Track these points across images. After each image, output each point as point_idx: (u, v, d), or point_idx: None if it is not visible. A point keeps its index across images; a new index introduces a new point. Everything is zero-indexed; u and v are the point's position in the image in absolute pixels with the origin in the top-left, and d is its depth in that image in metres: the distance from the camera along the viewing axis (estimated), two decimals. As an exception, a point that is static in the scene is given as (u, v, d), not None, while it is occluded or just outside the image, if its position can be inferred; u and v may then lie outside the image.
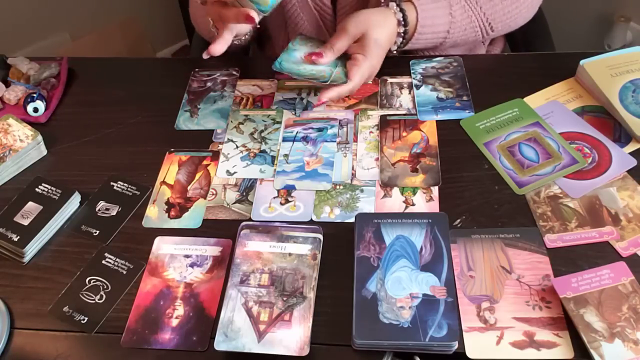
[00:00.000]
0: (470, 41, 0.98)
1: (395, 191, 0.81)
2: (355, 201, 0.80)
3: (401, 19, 0.89)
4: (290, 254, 0.74)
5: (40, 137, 0.90)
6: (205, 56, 0.84)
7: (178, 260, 0.77)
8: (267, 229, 0.77)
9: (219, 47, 0.83)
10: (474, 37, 0.95)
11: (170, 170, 0.87)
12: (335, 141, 0.88)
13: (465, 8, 0.92)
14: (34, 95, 0.96)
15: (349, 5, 0.98)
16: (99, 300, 0.74)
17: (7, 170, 0.88)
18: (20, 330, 0.73)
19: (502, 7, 0.94)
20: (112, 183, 0.86)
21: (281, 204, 0.81)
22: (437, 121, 0.89)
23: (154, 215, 0.82)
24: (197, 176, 0.86)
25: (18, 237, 0.78)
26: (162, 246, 0.78)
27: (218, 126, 0.93)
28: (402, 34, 0.91)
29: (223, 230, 0.79)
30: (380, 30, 0.87)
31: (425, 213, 0.77)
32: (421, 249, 0.71)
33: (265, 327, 0.68)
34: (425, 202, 0.79)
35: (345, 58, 0.89)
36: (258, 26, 0.82)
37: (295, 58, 0.88)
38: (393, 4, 0.90)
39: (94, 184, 0.86)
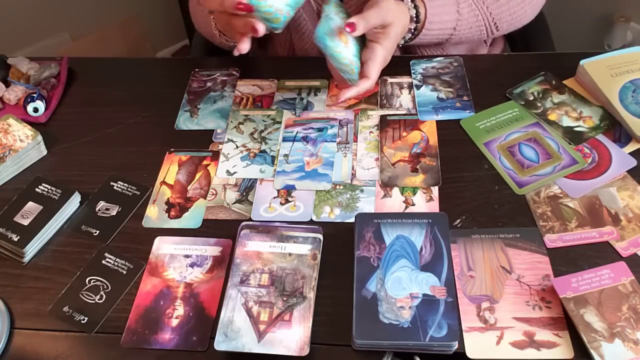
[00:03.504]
0: (474, 39, 0.98)
1: (395, 191, 0.81)
2: (355, 201, 0.80)
3: (414, 16, 0.89)
4: (290, 254, 0.74)
5: (40, 137, 0.90)
6: (235, 53, 0.82)
7: (178, 260, 0.77)
8: (267, 229, 0.77)
9: (245, 46, 0.81)
10: (479, 35, 0.96)
11: (170, 170, 0.87)
12: (335, 141, 0.88)
13: (472, 7, 0.93)
14: (34, 95, 0.96)
15: (354, 5, 0.98)
16: (99, 300, 0.74)
17: (7, 170, 0.88)
18: (20, 330, 0.73)
19: (508, 7, 0.94)
20: (112, 183, 0.86)
21: (281, 204, 0.81)
22: (437, 121, 0.89)
23: (154, 215, 0.82)
24: (197, 176, 0.86)
25: (18, 237, 0.78)
26: (162, 246, 0.78)
27: (218, 126, 0.93)
28: (412, 30, 0.91)
29: (223, 230, 0.79)
30: (399, 25, 0.86)
31: (425, 213, 0.77)
32: (421, 249, 0.71)
33: (265, 327, 0.68)
34: (425, 202, 0.79)
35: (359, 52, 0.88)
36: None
37: (331, 30, 0.81)
38: (408, 0, 0.90)
39: (94, 184, 0.86)
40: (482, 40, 1.01)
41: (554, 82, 0.91)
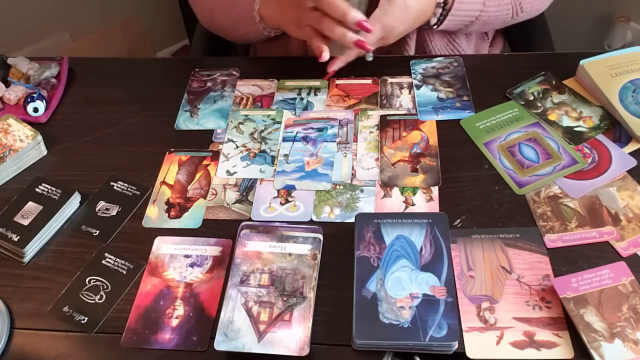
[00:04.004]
0: (499, 22, 0.98)
1: (395, 191, 0.81)
2: (355, 201, 0.80)
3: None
4: (290, 254, 0.74)
5: (40, 137, 0.90)
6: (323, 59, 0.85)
7: (178, 260, 0.77)
8: (267, 229, 0.77)
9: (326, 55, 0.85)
10: (504, 16, 0.96)
11: (170, 170, 0.87)
12: (335, 141, 0.88)
13: None
14: (34, 95, 0.96)
15: None
16: (99, 300, 0.74)
17: (7, 170, 0.88)
18: (20, 330, 0.73)
19: None
20: (112, 183, 0.86)
21: (281, 204, 0.81)
22: (437, 121, 0.89)
23: (154, 215, 0.82)
24: (197, 176, 0.86)
25: (18, 237, 0.78)
26: (162, 246, 0.78)
27: (218, 126, 0.93)
28: (442, 4, 0.90)
29: (223, 230, 0.79)
30: None
31: (425, 213, 0.77)
32: (421, 249, 0.71)
33: (265, 327, 0.68)
34: (425, 202, 0.79)
35: None
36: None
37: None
38: None
39: (94, 184, 0.86)
40: (507, 22, 1.00)
41: (554, 82, 0.91)
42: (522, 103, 0.89)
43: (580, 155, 0.81)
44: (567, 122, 0.86)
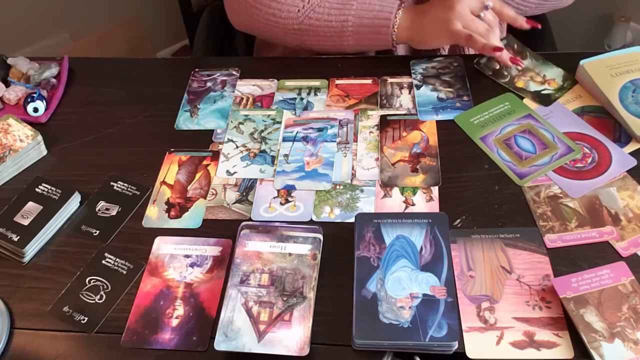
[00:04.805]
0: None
1: (395, 191, 0.81)
2: (355, 201, 0.80)
3: None
4: (290, 254, 0.74)
5: (40, 137, 0.90)
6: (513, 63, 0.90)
7: (178, 260, 0.77)
8: (267, 229, 0.77)
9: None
10: None
11: (170, 170, 0.87)
12: (335, 141, 0.88)
13: None
14: (34, 95, 0.96)
15: None
16: (99, 300, 0.74)
17: (7, 170, 0.88)
18: (20, 330, 0.73)
19: None
20: (112, 183, 0.86)
21: (281, 204, 0.81)
22: (437, 121, 0.89)
23: (154, 215, 0.82)
24: (197, 176, 0.86)
25: (18, 237, 0.78)
26: (162, 246, 0.78)
27: (218, 126, 0.93)
28: None
29: (223, 230, 0.79)
30: None
31: (425, 213, 0.77)
32: (421, 249, 0.71)
33: (265, 327, 0.68)
34: (425, 202, 0.79)
35: None
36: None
37: None
38: None
39: (94, 184, 0.86)
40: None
41: (515, 47, 0.94)
42: (490, 73, 0.93)
43: (574, 143, 0.82)
44: (533, 87, 0.90)
